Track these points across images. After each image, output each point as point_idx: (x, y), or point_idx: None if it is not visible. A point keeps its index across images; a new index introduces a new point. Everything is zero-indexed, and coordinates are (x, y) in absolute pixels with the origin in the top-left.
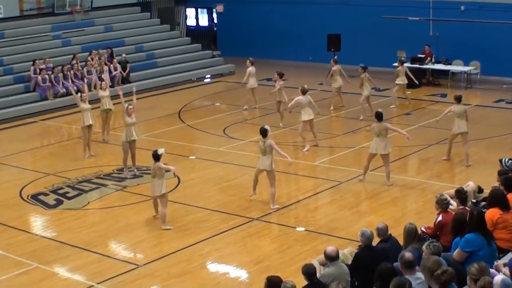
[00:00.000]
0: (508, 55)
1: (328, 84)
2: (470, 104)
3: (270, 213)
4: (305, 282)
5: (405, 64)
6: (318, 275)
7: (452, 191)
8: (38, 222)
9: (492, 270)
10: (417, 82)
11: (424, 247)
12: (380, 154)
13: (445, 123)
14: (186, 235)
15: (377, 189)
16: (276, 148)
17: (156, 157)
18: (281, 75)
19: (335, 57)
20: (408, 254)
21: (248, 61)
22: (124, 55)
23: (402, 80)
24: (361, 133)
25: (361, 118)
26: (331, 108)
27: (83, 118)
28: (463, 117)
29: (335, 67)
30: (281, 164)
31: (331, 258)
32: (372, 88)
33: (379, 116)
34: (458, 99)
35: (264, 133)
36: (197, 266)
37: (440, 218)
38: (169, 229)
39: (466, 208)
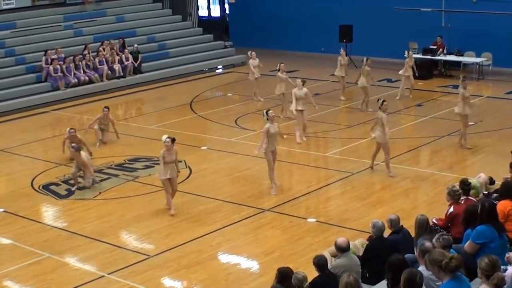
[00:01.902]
0: None
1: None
2: (482, 96)
3: (282, 204)
4: (316, 273)
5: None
6: (329, 266)
7: None
8: (49, 212)
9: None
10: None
11: (434, 240)
12: (376, 141)
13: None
14: (197, 225)
15: (388, 181)
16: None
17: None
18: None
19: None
20: (428, 243)
21: (250, 53)
22: (135, 45)
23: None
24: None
25: (370, 110)
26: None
27: None
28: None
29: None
30: (292, 155)
31: (342, 250)
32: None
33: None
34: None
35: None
36: (208, 257)
37: (451, 209)
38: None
39: (469, 198)
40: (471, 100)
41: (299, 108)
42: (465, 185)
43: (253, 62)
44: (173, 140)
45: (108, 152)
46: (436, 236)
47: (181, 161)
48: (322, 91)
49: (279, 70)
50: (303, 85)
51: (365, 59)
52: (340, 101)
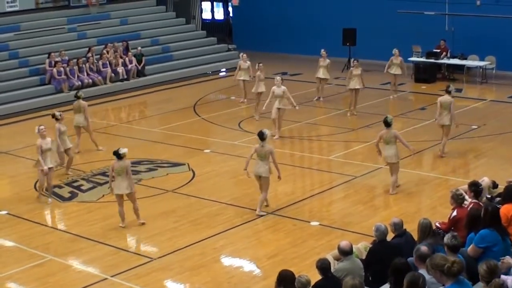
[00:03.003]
0: None
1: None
2: (485, 99)
3: (285, 207)
4: (319, 277)
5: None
6: (332, 269)
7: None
8: (52, 215)
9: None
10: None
11: (446, 239)
12: (388, 162)
13: (460, 118)
14: (200, 228)
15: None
16: (274, 158)
17: (119, 156)
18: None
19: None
20: (423, 248)
21: (242, 56)
22: (139, 48)
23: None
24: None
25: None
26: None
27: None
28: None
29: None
30: (296, 159)
31: (345, 253)
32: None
33: (387, 123)
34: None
35: (261, 136)
36: (211, 260)
37: (454, 213)
38: (143, 223)
39: (480, 203)
40: (475, 104)
41: (278, 106)
42: (476, 187)
43: (243, 64)
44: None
45: (111, 155)
46: (448, 235)
47: (184, 164)
48: (325, 94)
49: (258, 69)
50: (281, 83)
51: (353, 61)
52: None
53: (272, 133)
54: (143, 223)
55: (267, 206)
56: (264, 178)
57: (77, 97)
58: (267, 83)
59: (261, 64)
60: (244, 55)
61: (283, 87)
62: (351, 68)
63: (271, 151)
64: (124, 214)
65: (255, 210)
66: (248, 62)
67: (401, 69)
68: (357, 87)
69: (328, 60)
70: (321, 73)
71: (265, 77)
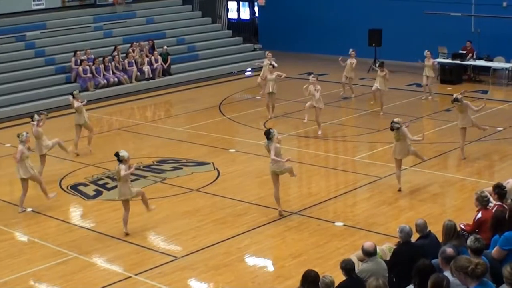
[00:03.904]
0: None
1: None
2: (511, 101)
3: (309, 207)
4: (343, 277)
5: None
6: (356, 270)
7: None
8: (77, 212)
9: None
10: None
11: (468, 241)
12: (395, 158)
13: (486, 120)
14: (224, 227)
15: (416, 185)
16: (273, 153)
17: (119, 159)
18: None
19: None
20: (449, 250)
21: (267, 54)
22: (165, 47)
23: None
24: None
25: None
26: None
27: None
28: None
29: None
30: (321, 159)
31: (369, 254)
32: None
33: (392, 129)
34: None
35: (267, 136)
36: (235, 259)
37: (479, 215)
38: (127, 234)
39: (504, 205)
40: (501, 106)
41: (270, 90)
42: (501, 189)
43: (267, 62)
44: None
45: (136, 153)
46: (471, 237)
47: (209, 163)
48: (349, 94)
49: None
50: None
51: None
52: (370, 105)
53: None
54: (126, 234)
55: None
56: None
57: (73, 96)
58: (290, 83)
59: (271, 66)
60: (270, 53)
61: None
62: (377, 69)
63: (272, 147)
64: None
65: (280, 208)
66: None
67: (433, 71)
68: (379, 87)
69: (355, 60)
70: (349, 72)
71: (292, 77)
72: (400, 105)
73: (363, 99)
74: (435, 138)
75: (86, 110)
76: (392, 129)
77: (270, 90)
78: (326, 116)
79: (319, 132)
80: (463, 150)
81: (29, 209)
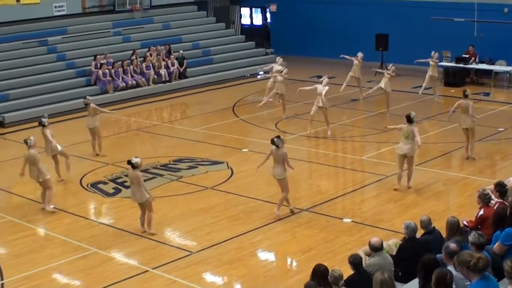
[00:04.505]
0: None
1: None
2: (511, 103)
3: (319, 204)
4: (351, 271)
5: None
6: (363, 264)
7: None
8: (97, 209)
9: None
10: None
11: (470, 237)
12: (405, 153)
13: (489, 120)
14: (237, 224)
15: (421, 184)
16: (287, 161)
17: (131, 165)
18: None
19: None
20: (452, 245)
21: (278, 59)
22: (181, 51)
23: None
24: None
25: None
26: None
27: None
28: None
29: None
30: (330, 158)
31: (376, 249)
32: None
33: (409, 119)
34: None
35: (275, 143)
36: (247, 254)
37: (481, 212)
38: (153, 233)
39: (505, 202)
40: (503, 107)
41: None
42: (502, 187)
43: (276, 67)
44: None
45: (153, 153)
46: (473, 233)
47: (223, 162)
48: (359, 96)
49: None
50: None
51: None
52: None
53: (308, 133)
54: (153, 234)
55: (288, 206)
56: (279, 180)
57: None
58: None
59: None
60: (281, 59)
61: (326, 87)
62: (385, 72)
63: (285, 155)
64: (144, 221)
65: (291, 207)
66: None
67: (437, 72)
68: (382, 86)
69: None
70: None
71: (302, 80)
72: (406, 107)
73: (370, 100)
74: (439, 138)
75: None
76: (411, 121)
77: (279, 92)
78: (335, 117)
79: (329, 133)
80: (467, 150)
81: (51, 206)
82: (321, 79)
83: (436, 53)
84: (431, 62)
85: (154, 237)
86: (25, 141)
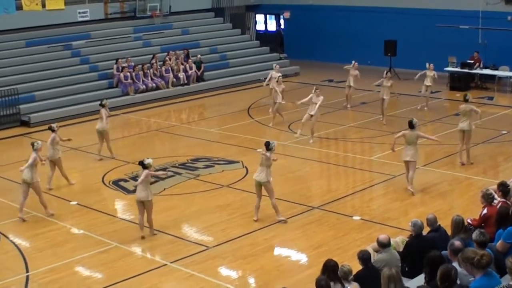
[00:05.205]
0: None
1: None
2: None
3: (329, 202)
4: (360, 267)
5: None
6: (372, 260)
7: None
8: (118, 206)
9: None
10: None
11: (473, 235)
12: (407, 160)
13: (492, 123)
14: (252, 221)
15: (427, 183)
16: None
17: (144, 166)
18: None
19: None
20: (457, 243)
21: (275, 66)
22: (199, 55)
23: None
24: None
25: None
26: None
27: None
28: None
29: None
30: (340, 158)
31: (384, 245)
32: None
33: (411, 125)
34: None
35: (267, 146)
36: (261, 249)
37: (485, 211)
38: (156, 233)
39: (508, 202)
40: (505, 111)
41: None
42: (505, 187)
43: (274, 74)
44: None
45: (172, 152)
46: (476, 231)
47: (238, 162)
48: (368, 100)
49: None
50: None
51: (385, 73)
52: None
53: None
54: (154, 234)
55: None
56: (264, 183)
57: (102, 105)
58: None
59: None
60: (277, 66)
61: (321, 97)
62: (383, 79)
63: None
64: (143, 224)
65: (303, 204)
66: (279, 73)
67: (433, 82)
68: (384, 97)
69: (357, 71)
70: (351, 82)
71: (313, 83)
72: (413, 110)
73: (377, 104)
74: (444, 140)
75: (126, 113)
76: (413, 127)
77: (279, 101)
78: (345, 119)
79: (311, 141)
80: (461, 155)
81: (74, 202)
82: (313, 90)
83: (432, 64)
84: (428, 73)
85: (172, 232)
86: (32, 144)
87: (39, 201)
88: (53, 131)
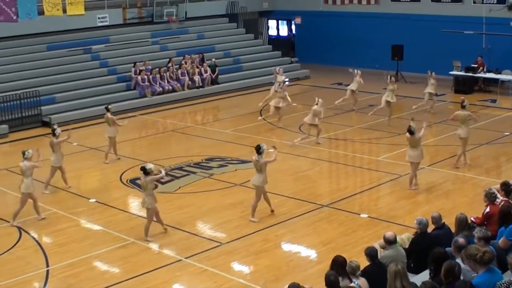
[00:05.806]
0: None
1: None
2: None
3: (338, 201)
4: (367, 262)
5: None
6: (378, 256)
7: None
8: (135, 203)
9: None
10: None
11: (475, 232)
12: (410, 162)
13: (495, 125)
14: (263, 218)
15: (432, 183)
16: (269, 162)
17: (145, 172)
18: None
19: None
20: (461, 240)
21: (278, 70)
22: (213, 59)
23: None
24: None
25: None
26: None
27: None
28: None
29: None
30: (349, 158)
31: (390, 242)
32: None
33: (410, 131)
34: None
35: (258, 150)
36: (272, 246)
37: (487, 209)
38: (151, 241)
39: (510, 201)
40: (508, 113)
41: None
42: (507, 187)
43: (280, 77)
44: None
45: (187, 152)
46: (477, 229)
47: (251, 161)
48: (376, 102)
49: (281, 87)
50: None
51: (390, 77)
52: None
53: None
54: (148, 241)
55: (272, 211)
56: (255, 186)
57: (107, 109)
58: (321, 92)
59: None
60: (281, 69)
61: (321, 109)
62: (389, 82)
63: (265, 164)
64: (160, 221)
65: (313, 202)
66: (283, 76)
67: (434, 89)
68: (388, 99)
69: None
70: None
71: (323, 86)
72: (418, 112)
73: (385, 107)
74: (449, 141)
75: (143, 114)
76: (412, 133)
77: (280, 105)
78: (353, 121)
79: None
80: (458, 158)
81: (93, 200)
82: (316, 101)
83: (433, 73)
84: (431, 81)
85: (186, 229)
86: (23, 153)
87: (34, 206)
88: (54, 134)
